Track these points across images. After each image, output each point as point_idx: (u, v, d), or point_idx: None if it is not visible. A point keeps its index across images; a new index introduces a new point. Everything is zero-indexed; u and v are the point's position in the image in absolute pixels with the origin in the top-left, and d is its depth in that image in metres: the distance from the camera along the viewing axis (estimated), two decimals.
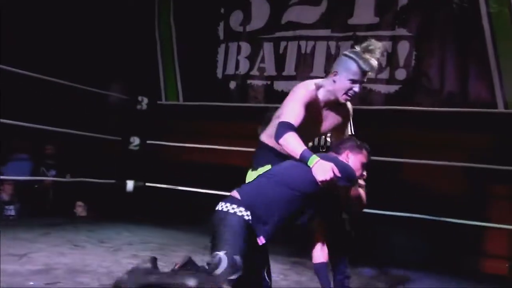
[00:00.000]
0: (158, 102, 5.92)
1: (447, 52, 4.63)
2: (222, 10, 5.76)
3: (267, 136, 2.72)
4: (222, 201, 2.39)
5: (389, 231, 4.64)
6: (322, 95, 2.57)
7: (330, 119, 2.67)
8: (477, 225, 4.46)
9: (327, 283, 2.49)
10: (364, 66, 2.48)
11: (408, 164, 4.73)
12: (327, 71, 2.82)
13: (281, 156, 2.60)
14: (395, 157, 4.60)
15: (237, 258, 2.18)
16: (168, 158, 5.92)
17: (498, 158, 4.43)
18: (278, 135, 2.47)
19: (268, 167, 2.63)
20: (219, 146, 5.45)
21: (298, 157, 2.37)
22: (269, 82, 5.42)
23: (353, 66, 2.49)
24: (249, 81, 5.53)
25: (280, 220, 2.30)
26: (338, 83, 2.50)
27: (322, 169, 2.29)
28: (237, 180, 5.35)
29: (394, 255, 4.50)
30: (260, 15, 5.53)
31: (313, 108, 2.55)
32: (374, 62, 2.53)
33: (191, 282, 2.12)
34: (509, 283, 4.10)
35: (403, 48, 4.79)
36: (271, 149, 2.68)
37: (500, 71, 4.39)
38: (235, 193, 2.39)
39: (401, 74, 4.77)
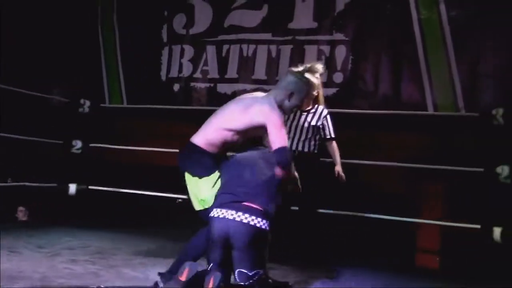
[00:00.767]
0: (102, 105, 5.87)
1: (381, 56, 4.83)
2: (166, 13, 5.79)
3: (206, 143, 3.00)
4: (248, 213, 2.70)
5: (331, 229, 4.79)
6: None
7: None
8: (411, 222, 4.68)
9: None
10: (314, 91, 3.28)
11: (346, 164, 4.89)
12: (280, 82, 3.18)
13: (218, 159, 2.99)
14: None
15: None
16: (112, 161, 5.89)
17: (430, 158, 4.66)
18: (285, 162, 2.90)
19: (215, 175, 2.95)
20: (163, 149, 5.47)
21: None
22: (212, 85, 5.49)
23: (306, 90, 3.08)
24: (192, 84, 5.59)
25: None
26: (293, 102, 3.05)
27: None
28: (180, 181, 5.41)
29: (335, 251, 4.68)
30: (203, 19, 5.59)
31: None
32: (318, 82, 3.23)
33: None
34: (440, 275, 4.30)
35: (340, 52, 4.96)
36: (210, 154, 2.98)
37: (430, 75, 4.62)
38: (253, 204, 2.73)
39: (338, 77, 4.94)
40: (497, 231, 3.84)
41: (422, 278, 4.06)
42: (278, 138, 2.89)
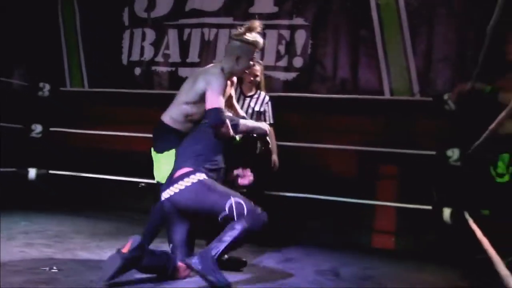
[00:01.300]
0: (62, 88, 5.80)
1: (340, 41, 4.89)
2: None
3: (170, 119, 3.20)
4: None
5: (291, 212, 4.87)
6: (226, 77, 3.15)
7: (228, 94, 3.31)
8: (368, 204, 4.81)
9: None
10: (259, 47, 3.17)
11: (306, 148, 4.97)
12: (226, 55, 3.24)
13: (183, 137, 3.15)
14: (294, 141, 4.80)
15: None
16: (73, 145, 5.85)
17: (385, 141, 4.77)
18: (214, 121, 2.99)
19: (173, 151, 3.13)
20: (125, 133, 5.45)
21: None
22: (173, 69, 5.48)
23: (252, 49, 3.13)
24: (154, 68, 5.56)
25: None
26: (242, 65, 3.15)
27: None
28: (143, 166, 5.42)
29: (295, 234, 4.77)
30: (164, 2, 5.56)
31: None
32: (261, 39, 3.19)
33: None
34: (395, 254, 4.44)
35: (300, 37, 5.01)
36: (175, 130, 3.17)
37: (387, 60, 4.71)
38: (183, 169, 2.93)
39: (298, 62, 4.99)
40: (446, 212, 3.97)
41: (378, 258, 4.17)
42: (211, 100, 3.00)
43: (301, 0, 5.04)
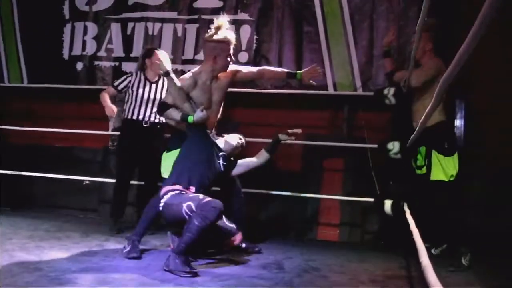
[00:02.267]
0: (0, 84, 5.59)
1: (285, 36, 4.91)
2: None
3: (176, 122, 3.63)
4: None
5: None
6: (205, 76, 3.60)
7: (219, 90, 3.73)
8: (314, 197, 4.88)
9: None
10: (232, 42, 3.55)
11: (254, 143, 4.98)
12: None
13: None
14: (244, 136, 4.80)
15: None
16: (12, 142, 5.65)
17: (330, 135, 4.86)
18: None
19: (177, 151, 3.50)
20: (67, 129, 5.31)
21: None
22: (117, 64, 5.36)
23: (225, 47, 3.51)
24: (96, 62, 5.42)
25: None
26: (220, 63, 3.58)
27: None
28: (86, 162, 5.28)
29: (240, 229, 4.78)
30: None
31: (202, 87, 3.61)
32: (231, 34, 3.60)
33: None
34: (339, 246, 4.52)
35: (245, 32, 5.00)
36: (179, 131, 3.61)
37: (330, 56, 4.77)
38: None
39: (243, 57, 4.98)
40: (388, 204, 4.07)
41: (322, 250, 4.24)
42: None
43: None
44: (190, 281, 2.93)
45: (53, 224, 4.61)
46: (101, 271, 3.02)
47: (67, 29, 5.53)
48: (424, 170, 3.78)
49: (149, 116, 4.43)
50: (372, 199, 4.29)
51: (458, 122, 4.58)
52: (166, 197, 3.27)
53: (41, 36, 5.59)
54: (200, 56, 4.90)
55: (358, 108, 4.81)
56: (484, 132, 4.46)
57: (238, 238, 3.75)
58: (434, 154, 3.71)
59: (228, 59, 3.59)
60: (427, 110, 2.49)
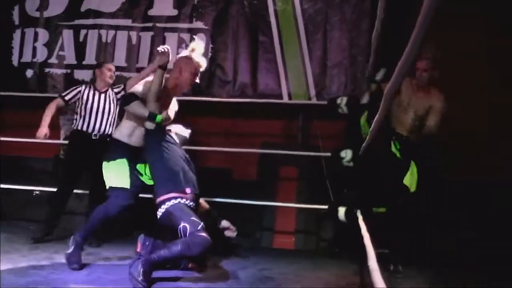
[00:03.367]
0: None
1: (240, 46, 4.94)
2: None
3: (120, 134, 3.56)
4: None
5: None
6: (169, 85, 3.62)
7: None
8: (269, 205, 4.90)
9: None
10: (200, 66, 3.63)
11: (208, 152, 4.97)
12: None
13: (130, 150, 3.51)
14: (197, 145, 4.78)
15: None
16: None
17: (285, 144, 4.90)
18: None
19: (124, 160, 3.47)
20: (16, 138, 5.15)
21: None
22: (69, 71, 5.25)
23: (193, 65, 3.58)
24: (47, 70, 5.29)
25: None
26: (185, 75, 3.59)
27: None
28: (36, 172, 5.12)
29: None
30: (58, 1, 5.33)
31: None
32: (203, 59, 3.67)
33: None
34: (295, 254, 4.55)
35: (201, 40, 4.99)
36: (124, 144, 3.51)
37: (284, 65, 4.83)
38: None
39: None
40: (341, 211, 4.13)
41: (277, 259, 4.24)
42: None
43: (200, 4, 5.03)
44: None
45: (3, 236, 4.44)
46: (50, 285, 2.94)
47: (17, 35, 5.39)
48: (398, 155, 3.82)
49: (99, 128, 4.34)
50: (326, 206, 4.35)
51: None
52: (168, 203, 3.34)
53: None
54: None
55: (312, 117, 4.87)
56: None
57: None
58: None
59: (192, 77, 3.62)
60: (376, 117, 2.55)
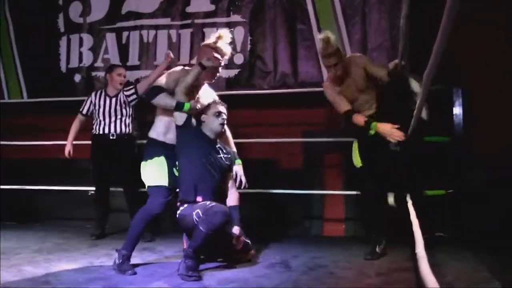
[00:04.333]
0: (0, 100, 5.64)
1: (278, 36, 4.93)
2: (61, 2, 5.60)
3: (155, 133, 3.62)
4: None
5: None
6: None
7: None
8: (317, 193, 4.91)
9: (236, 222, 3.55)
10: (225, 54, 3.66)
11: (253, 144, 5.01)
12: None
13: (167, 147, 3.56)
14: (241, 138, 4.82)
15: None
16: (17, 158, 5.70)
17: (328, 131, 4.87)
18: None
19: (161, 158, 3.52)
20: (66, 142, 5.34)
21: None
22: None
23: (218, 54, 3.59)
24: (94, 73, 5.47)
25: None
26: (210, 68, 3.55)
27: None
28: (82, 174, 5.29)
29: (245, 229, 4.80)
30: (99, 6, 5.46)
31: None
32: (227, 47, 3.67)
33: None
34: (345, 241, 4.54)
35: (239, 33, 5.02)
36: (160, 143, 3.58)
37: None
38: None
39: (239, 59, 5.01)
40: (391, 196, 4.08)
41: (328, 246, 4.25)
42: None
43: None
44: (197, 284, 2.96)
45: (61, 236, 4.65)
46: (109, 281, 3.06)
47: (63, 42, 5.58)
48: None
49: (114, 129, 4.63)
50: None
51: (457, 110, 4.58)
52: (181, 208, 3.44)
53: (38, 51, 5.64)
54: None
55: None
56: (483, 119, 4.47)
57: (253, 251, 3.75)
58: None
59: (218, 66, 3.65)
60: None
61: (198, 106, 3.57)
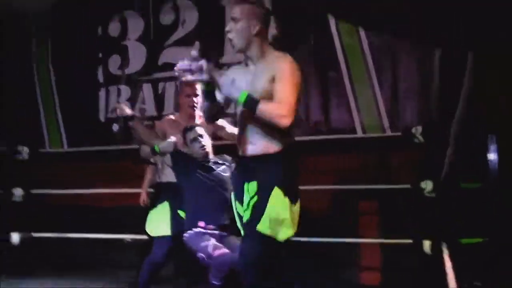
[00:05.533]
0: (41, 150, 5.85)
1: (310, 84, 5.01)
2: (100, 55, 5.86)
3: (161, 177, 3.76)
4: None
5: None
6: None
7: None
8: (350, 242, 4.83)
9: None
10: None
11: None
12: None
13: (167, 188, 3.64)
14: None
15: None
16: (56, 206, 5.84)
17: (362, 178, 4.84)
18: None
19: (164, 204, 3.57)
20: (107, 190, 5.47)
21: None
22: (150, 123, 5.54)
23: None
24: (131, 123, 5.62)
25: None
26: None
27: None
28: (126, 222, 5.37)
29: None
30: (137, 58, 5.70)
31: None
32: None
33: None
34: None
35: None
36: (164, 185, 3.69)
37: (356, 99, 4.82)
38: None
39: None
40: (426, 244, 4.01)
41: None
42: None
43: None
44: None
45: (101, 285, 4.68)
46: None
47: (102, 93, 5.81)
48: None
49: None
50: (409, 240, 4.23)
51: (492, 156, 4.50)
52: (188, 232, 3.33)
53: (77, 101, 5.88)
54: None
55: (388, 148, 4.80)
56: None
57: None
58: None
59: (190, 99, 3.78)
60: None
61: (173, 138, 3.52)
